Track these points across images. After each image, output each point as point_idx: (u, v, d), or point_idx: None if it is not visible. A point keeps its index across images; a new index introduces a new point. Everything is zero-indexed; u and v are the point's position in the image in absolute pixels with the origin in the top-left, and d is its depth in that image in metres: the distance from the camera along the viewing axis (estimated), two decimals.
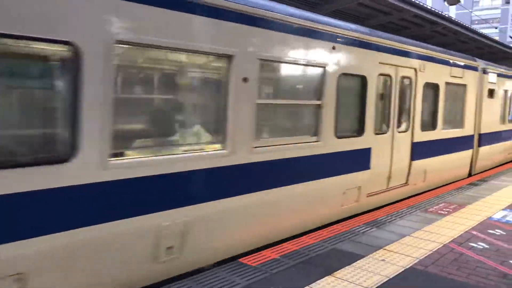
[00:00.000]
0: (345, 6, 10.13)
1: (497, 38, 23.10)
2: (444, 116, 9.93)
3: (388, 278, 4.45)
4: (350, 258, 4.96)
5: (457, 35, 14.71)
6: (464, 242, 5.72)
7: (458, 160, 10.97)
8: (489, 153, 12.80)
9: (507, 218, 6.96)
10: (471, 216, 7.01)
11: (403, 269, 4.70)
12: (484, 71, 12.01)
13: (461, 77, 10.59)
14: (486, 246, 5.59)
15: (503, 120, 13.78)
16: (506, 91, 13.81)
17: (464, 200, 8.22)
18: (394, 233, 5.98)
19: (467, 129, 11.21)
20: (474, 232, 6.15)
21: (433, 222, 6.59)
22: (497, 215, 7.14)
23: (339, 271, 4.59)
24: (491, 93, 12.41)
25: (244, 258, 4.89)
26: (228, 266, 4.65)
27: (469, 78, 11.04)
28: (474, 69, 11.40)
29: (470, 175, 11.93)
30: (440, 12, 12.84)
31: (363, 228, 6.15)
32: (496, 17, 76.98)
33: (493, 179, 10.71)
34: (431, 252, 5.29)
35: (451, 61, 10.17)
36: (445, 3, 11.28)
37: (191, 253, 4.82)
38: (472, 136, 11.56)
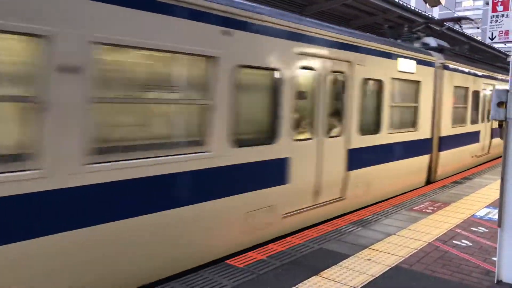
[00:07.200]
0: (330, 7, 10.19)
1: (479, 38, 23.45)
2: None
3: (374, 277, 4.49)
4: (336, 258, 5.00)
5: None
6: (448, 240, 5.80)
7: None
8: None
9: (490, 216, 7.08)
10: (455, 214, 7.12)
11: (388, 268, 4.75)
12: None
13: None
14: (470, 244, 5.68)
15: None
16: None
17: (448, 198, 8.34)
18: (380, 232, 6.04)
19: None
20: (458, 230, 6.25)
21: (418, 220, 6.67)
22: (480, 213, 7.26)
23: (325, 271, 4.62)
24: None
25: (230, 259, 4.89)
26: (215, 267, 4.64)
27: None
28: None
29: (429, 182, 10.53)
30: (424, 13, 13.01)
31: (349, 227, 6.20)
32: (478, 18, 78.24)
33: (477, 177, 10.89)
34: (416, 250, 5.35)
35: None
36: (427, 5, 11.45)
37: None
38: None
